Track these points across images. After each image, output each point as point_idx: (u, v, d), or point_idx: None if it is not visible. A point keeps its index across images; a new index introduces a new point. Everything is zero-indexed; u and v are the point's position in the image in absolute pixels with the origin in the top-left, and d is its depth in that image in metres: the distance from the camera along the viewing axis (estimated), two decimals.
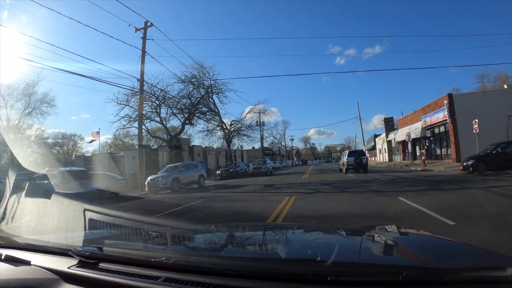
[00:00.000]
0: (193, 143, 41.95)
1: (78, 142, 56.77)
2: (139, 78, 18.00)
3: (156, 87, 23.16)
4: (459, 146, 20.64)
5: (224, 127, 33.05)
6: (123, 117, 22.76)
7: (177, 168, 15.80)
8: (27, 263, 1.32)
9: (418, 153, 27.70)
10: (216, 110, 30.96)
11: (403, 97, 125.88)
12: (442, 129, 22.91)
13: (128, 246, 1.54)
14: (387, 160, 38.39)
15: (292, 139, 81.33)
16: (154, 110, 24.64)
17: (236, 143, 49.93)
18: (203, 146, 41.12)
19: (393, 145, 35.17)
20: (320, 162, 76.37)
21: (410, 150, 26.95)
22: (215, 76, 26.33)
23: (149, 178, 14.92)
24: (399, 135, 30.92)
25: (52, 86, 63.94)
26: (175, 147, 31.70)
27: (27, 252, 1.44)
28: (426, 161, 20.94)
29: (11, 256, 1.36)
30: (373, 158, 51.85)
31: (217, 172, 26.98)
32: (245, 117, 33.99)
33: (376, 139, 47.55)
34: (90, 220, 2.03)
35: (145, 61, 17.87)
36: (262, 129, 48.22)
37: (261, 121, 47.12)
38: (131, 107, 22.26)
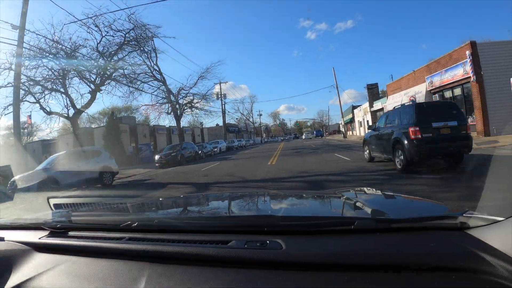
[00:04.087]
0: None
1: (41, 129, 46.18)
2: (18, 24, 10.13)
3: (52, 40, 14.55)
4: (487, 113, 14.84)
5: (172, 99, 25.29)
6: (2, 87, 14.69)
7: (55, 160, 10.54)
8: (1, 239, 1.33)
9: None
10: (162, 78, 23.01)
11: (379, 71, 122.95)
12: (458, 91, 16.90)
13: (96, 215, 1.64)
14: None
15: (260, 115, 75.48)
16: (53, 75, 15.76)
17: (194, 119, 42.19)
18: (151, 125, 33.40)
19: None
20: (290, 138, 70.44)
21: None
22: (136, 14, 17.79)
23: (15, 177, 9.83)
24: (390, 102, 24.92)
25: None
26: (109, 127, 23.75)
27: (1, 230, 1.46)
28: None
29: None
30: (351, 132, 46.73)
31: (155, 157, 19.42)
32: (196, 82, 25.98)
33: (355, 111, 41.92)
34: None
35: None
36: (223, 102, 40.58)
37: (222, 93, 39.62)
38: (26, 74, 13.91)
